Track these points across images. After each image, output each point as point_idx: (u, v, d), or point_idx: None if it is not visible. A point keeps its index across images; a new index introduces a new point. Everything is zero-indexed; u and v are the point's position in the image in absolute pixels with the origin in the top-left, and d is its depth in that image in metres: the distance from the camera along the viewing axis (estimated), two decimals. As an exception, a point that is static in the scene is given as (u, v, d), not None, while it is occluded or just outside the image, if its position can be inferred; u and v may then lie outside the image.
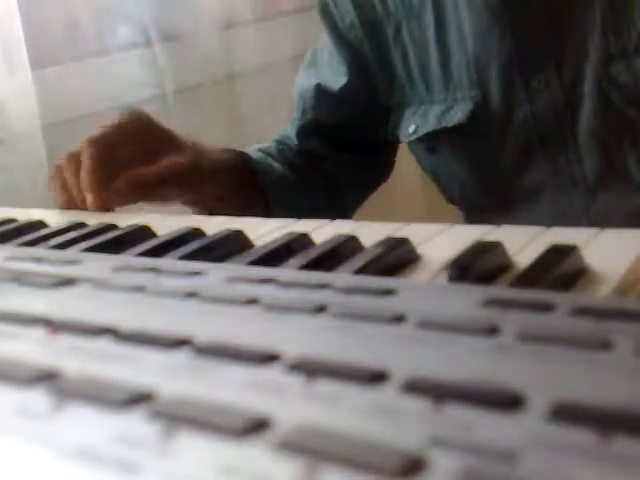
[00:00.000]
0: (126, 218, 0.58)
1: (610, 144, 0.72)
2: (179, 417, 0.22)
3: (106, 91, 1.18)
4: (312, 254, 0.42)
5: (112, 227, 0.54)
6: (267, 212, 0.79)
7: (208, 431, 0.21)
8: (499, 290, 0.33)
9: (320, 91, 0.86)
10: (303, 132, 0.88)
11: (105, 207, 0.63)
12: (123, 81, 1.21)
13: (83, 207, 0.64)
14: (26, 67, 1.06)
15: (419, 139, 0.82)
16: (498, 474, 0.18)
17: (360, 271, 0.38)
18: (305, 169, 0.86)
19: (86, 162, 0.64)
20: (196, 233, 0.50)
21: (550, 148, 0.75)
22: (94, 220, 0.58)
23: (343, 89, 0.85)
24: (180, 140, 0.73)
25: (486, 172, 0.80)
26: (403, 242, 0.42)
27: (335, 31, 0.84)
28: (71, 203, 0.66)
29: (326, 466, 0.19)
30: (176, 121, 1.22)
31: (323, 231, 0.47)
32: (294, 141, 0.89)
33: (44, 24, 1.18)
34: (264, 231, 0.49)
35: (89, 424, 0.22)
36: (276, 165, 0.83)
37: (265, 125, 1.19)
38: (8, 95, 1.04)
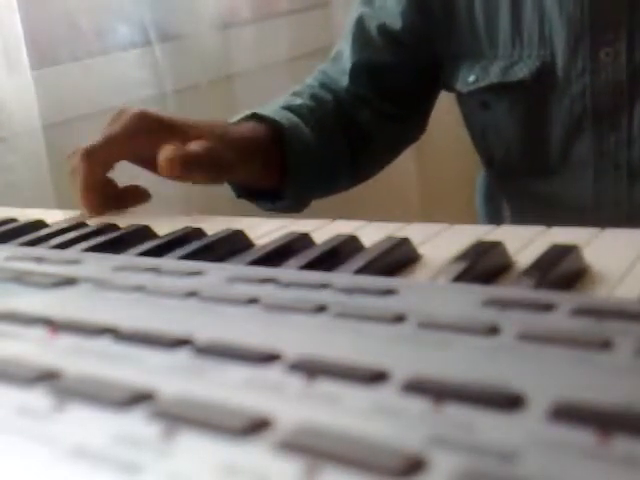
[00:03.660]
0: (126, 218, 0.58)
1: None
2: (179, 417, 0.22)
3: (106, 91, 1.18)
4: (312, 254, 0.42)
5: (112, 227, 0.54)
6: (276, 182, 0.76)
7: (208, 431, 0.21)
8: (499, 290, 0.33)
9: (383, 31, 0.84)
10: (356, 70, 0.85)
11: (100, 212, 0.62)
12: (123, 81, 1.21)
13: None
14: (26, 67, 1.06)
15: (475, 93, 0.81)
16: (498, 474, 0.18)
17: (360, 271, 0.38)
18: (335, 131, 0.83)
19: (81, 173, 0.62)
20: (196, 233, 0.50)
21: (601, 127, 0.75)
22: (94, 220, 0.58)
23: (403, 28, 0.83)
24: (197, 128, 0.67)
25: (535, 138, 0.79)
26: (403, 242, 0.42)
27: None
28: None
29: (326, 466, 0.19)
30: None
31: (323, 231, 0.47)
32: (339, 83, 0.85)
33: (44, 24, 1.18)
34: (264, 231, 0.49)
35: (89, 424, 0.22)
36: (308, 133, 0.79)
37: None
38: (8, 95, 1.04)
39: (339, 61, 0.87)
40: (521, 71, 0.77)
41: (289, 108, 0.80)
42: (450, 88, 0.85)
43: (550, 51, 0.75)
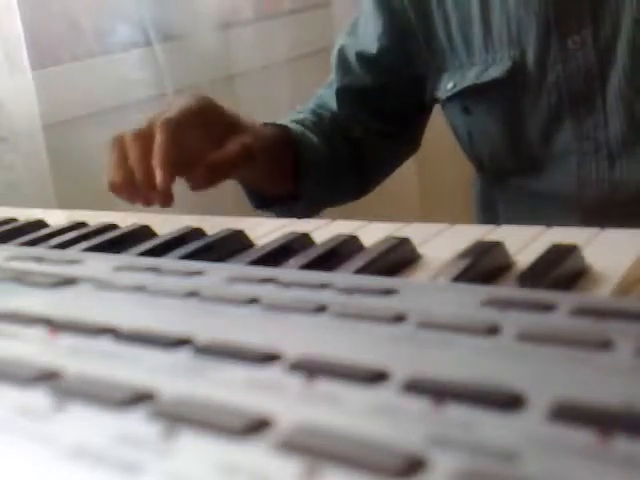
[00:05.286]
0: (126, 218, 0.58)
1: (637, 108, 0.74)
2: (179, 417, 0.22)
3: (106, 91, 1.18)
4: (312, 254, 0.42)
5: (112, 227, 0.54)
6: (291, 187, 0.81)
7: (208, 431, 0.21)
8: (499, 290, 0.33)
9: (360, 58, 0.89)
10: (342, 95, 0.90)
11: (169, 189, 0.63)
12: (123, 81, 1.21)
13: (141, 185, 0.63)
14: (26, 67, 1.06)
15: (455, 99, 0.84)
16: (498, 474, 0.18)
17: (360, 271, 0.38)
18: (337, 142, 0.87)
19: (161, 139, 0.64)
20: (196, 233, 0.50)
21: (579, 111, 0.77)
22: (94, 220, 0.58)
23: (380, 53, 0.87)
24: (240, 121, 0.74)
25: (517, 134, 0.82)
26: (403, 242, 0.42)
27: None
28: (126, 180, 0.65)
29: (326, 466, 0.19)
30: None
31: (323, 231, 0.47)
32: (331, 105, 0.90)
33: (44, 24, 1.18)
34: (264, 231, 0.49)
35: (90, 424, 0.22)
36: (314, 139, 0.84)
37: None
38: (8, 95, 1.04)
39: (332, 86, 0.92)
40: (494, 72, 0.80)
41: (294, 121, 0.86)
42: (435, 99, 0.89)
43: (519, 50, 0.78)
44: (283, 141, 0.80)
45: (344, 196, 0.92)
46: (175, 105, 0.68)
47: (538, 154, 0.81)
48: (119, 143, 0.66)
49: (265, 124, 0.81)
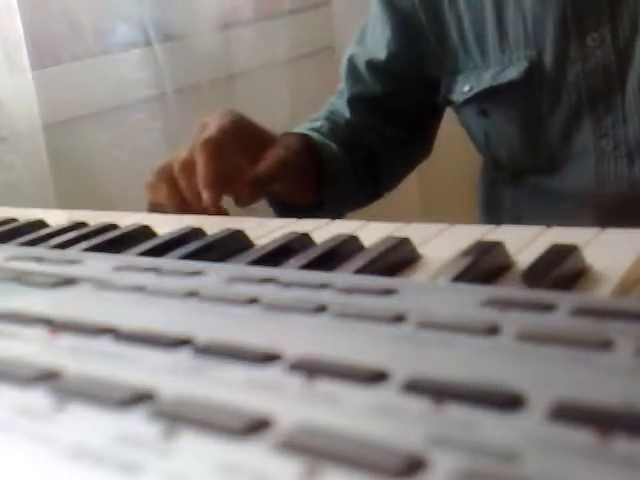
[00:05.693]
0: (126, 218, 0.58)
1: None
2: (179, 417, 0.22)
3: (106, 91, 1.18)
4: (312, 254, 0.42)
5: (112, 227, 0.54)
6: (315, 197, 0.82)
7: (208, 431, 0.21)
8: (499, 290, 0.33)
9: (369, 66, 0.89)
10: (354, 104, 0.90)
11: (219, 206, 0.65)
12: (123, 81, 1.21)
13: (197, 211, 0.66)
14: (26, 67, 1.06)
15: (472, 102, 0.84)
16: (498, 474, 0.18)
17: (360, 271, 0.38)
18: (354, 149, 0.88)
19: (202, 162, 0.66)
20: (196, 233, 0.50)
21: (598, 109, 0.77)
22: (94, 220, 0.58)
23: (389, 58, 0.87)
24: (270, 135, 0.76)
25: (535, 134, 0.82)
26: (403, 242, 0.42)
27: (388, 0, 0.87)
28: (181, 208, 0.67)
29: (326, 466, 0.19)
30: (176, 121, 1.22)
31: (323, 231, 0.47)
32: (344, 114, 0.91)
33: (44, 24, 1.18)
34: (264, 231, 0.49)
35: (89, 424, 0.22)
36: (334, 147, 0.85)
37: (265, 125, 1.19)
38: (8, 95, 1.04)
39: (343, 96, 0.93)
40: (511, 74, 0.80)
41: (311, 129, 0.86)
42: (448, 102, 0.89)
43: (536, 50, 0.78)
44: (306, 151, 0.81)
45: (360, 203, 0.93)
46: (211, 125, 0.70)
47: (556, 153, 0.81)
48: (167, 175, 0.68)
49: (286, 134, 0.82)
